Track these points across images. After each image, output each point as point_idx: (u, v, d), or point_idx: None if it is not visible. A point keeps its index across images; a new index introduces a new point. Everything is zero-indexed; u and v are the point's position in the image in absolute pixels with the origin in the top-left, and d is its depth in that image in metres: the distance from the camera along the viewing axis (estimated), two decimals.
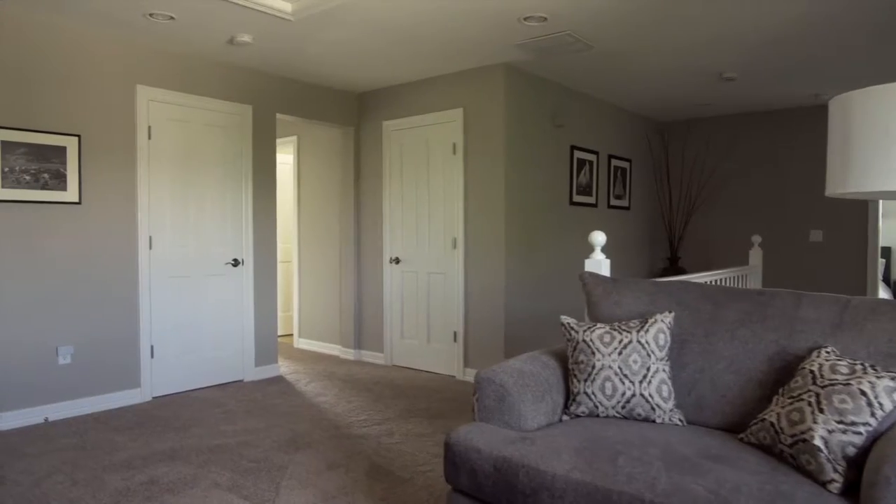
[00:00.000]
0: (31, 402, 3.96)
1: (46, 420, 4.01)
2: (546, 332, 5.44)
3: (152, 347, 4.54)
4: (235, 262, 5.02)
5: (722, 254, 7.04)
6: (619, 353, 2.26)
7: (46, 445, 3.56)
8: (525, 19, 3.93)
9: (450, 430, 3.85)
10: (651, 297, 2.54)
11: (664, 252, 7.50)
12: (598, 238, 2.95)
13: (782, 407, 1.91)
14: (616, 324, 2.38)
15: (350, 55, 4.70)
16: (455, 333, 5.25)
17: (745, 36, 4.24)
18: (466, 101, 5.14)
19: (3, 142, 3.80)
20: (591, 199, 6.09)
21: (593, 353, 2.28)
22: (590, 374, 2.27)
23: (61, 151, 4.05)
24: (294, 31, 4.17)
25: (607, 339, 2.29)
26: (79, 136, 4.12)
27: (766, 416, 1.95)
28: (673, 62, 4.88)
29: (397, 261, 5.67)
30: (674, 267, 7.00)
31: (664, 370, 2.25)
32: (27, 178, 3.91)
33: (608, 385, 2.23)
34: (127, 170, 4.38)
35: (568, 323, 2.41)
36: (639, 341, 2.27)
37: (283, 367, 5.60)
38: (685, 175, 7.26)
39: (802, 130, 6.51)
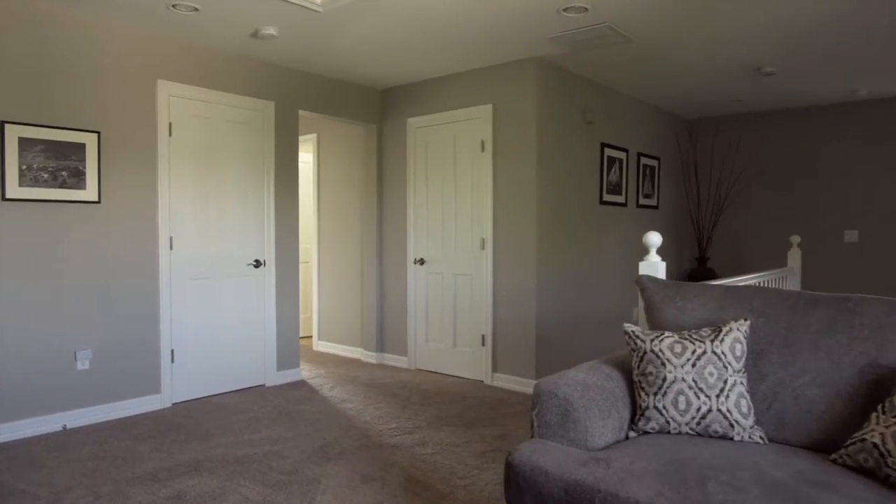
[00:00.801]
0: (48, 409, 3.81)
1: (64, 428, 3.85)
2: (579, 336, 5.26)
3: (173, 352, 4.38)
4: (257, 263, 4.86)
5: (752, 254, 6.84)
6: (693, 365, 2.07)
7: (65, 455, 3.40)
8: (564, 10, 3.75)
9: (479, 436, 3.67)
10: (719, 302, 2.35)
11: (692, 252, 7.30)
12: (654, 239, 2.77)
13: (886, 426, 1.72)
14: (685, 332, 2.19)
15: (377, 48, 4.53)
16: (483, 337, 5.08)
17: (790, 27, 4.05)
18: (496, 98, 4.96)
19: (20, 138, 3.65)
20: (621, 199, 5.90)
21: (663, 365, 2.10)
22: (660, 388, 2.08)
23: (80, 149, 3.90)
24: (322, 23, 4.00)
25: (678, 349, 2.11)
26: (98, 132, 3.97)
27: (865, 437, 1.77)
28: (712, 56, 4.69)
29: (422, 262, 5.50)
30: (702, 267, 6.80)
31: (742, 383, 2.07)
32: (45, 176, 3.76)
33: (681, 399, 2.05)
34: (147, 168, 4.22)
35: (632, 331, 2.23)
36: (714, 352, 2.08)
37: (305, 371, 5.44)
38: (714, 173, 7.06)
39: (837, 127, 6.30)
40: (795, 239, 5.31)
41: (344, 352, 6.21)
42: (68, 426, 3.87)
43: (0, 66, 3.57)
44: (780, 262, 6.66)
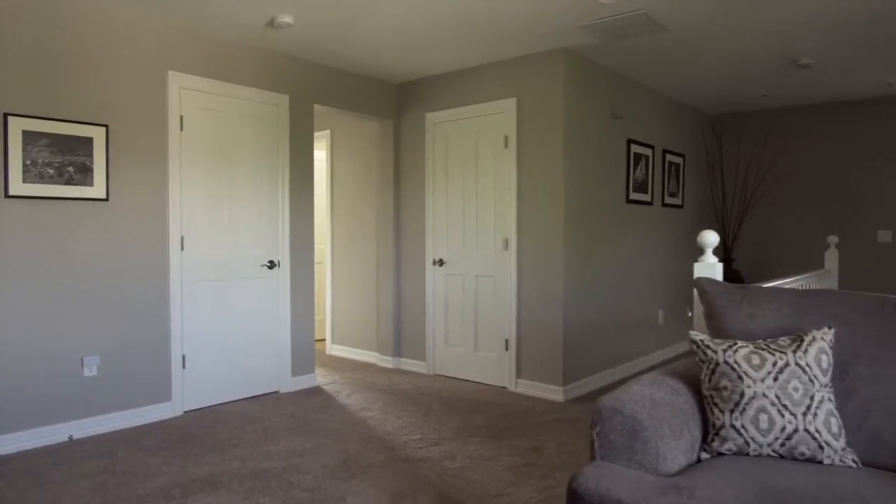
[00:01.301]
0: (54, 418, 3.60)
1: (71, 438, 3.64)
2: (605, 340, 5.04)
3: (184, 357, 4.17)
4: (271, 264, 4.64)
5: (781, 255, 6.60)
6: (775, 379, 1.85)
7: (73, 469, 3.19)
8: None
9: (510, 449, 3.45)
10: (795, 308, 2.13)
11: (717, 253, 7.07)
12: (710, 238, 2.55)
13: None
14: (761, 342, 1.97)
15: (396, 38, 4.31)
16: (506, 341, 4.86)
17: (832, 16, 3.82)
18: (520, 91, 4.74)
19: (24, 131, 3.44)
20: (647, 197, 5.67)
21: (740, 378, 1.88)
22: (738, 404, 1.86)
23: (87, 143, 3.69)
24: (340, 11, 3.78)
25: (756, 360, 1.89)
26: (106, 126, 3.76)
27: None
28: (747, 47, 4.46)
29: (441, 263, 5.28)
30: (728, 269, 6.57)
31: (830, 399, 1.85)
32: (50, 171, 3.55)
33: (763, 417, 1.83)
34: (157, 163, 4.02)
35: (701, 340, 2.00)
36: (798, 364, 1.86)
37: (319, 377, 5.22)
38: (740, 171, 6.82)
39: (870, 123, 6.06)
40: (833, 239, 5.08)
41: (358, 356, 5.99)
42: (75, 436, 3.66)
43: (4, 56, 3.37)
44: (809, 262, 6.43)
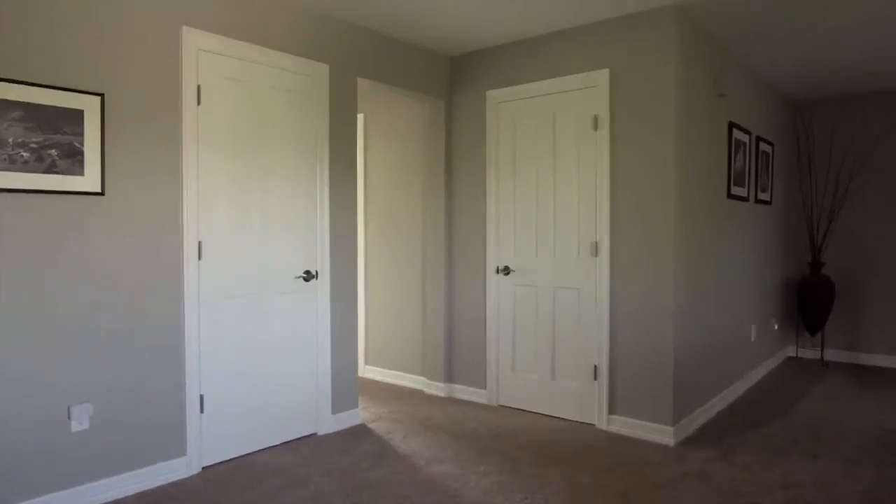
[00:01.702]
0: (34, 489, 2.65)
1: None
2: (711, 365, 4.15)
3: (202, 398, 3.23)
4: (308, 276, 3.71)
5: (878, 258, 5.73)
6: None
7: None
8: None
9: None
10: None
11: (801, 254, 6.18)
12: None
13: None
14: None
15: None
16: (595, 368, 3.95)
17: None
18: (614, 60, 3.84)
19: None
20: (744, 192, 4.79)
21: None
22: None
23: (76, 117, 2.74)
24: None
25: None
26: (102, 95, 2.81)
27: None
28: (888, 12, 3.58)
29: (507, 271, 4.37)
30: (815, 274, 5.70)
31: None
32: (25, 155, 2.60)
33: None
34: (168, 146, 3.07)
35: None
36: None
37: (360, 410, 4.29)
38: (834, 163, 5.94)
39: None
40: None
41: (400, 380, 5.06)
42: None
43: None
44: None
